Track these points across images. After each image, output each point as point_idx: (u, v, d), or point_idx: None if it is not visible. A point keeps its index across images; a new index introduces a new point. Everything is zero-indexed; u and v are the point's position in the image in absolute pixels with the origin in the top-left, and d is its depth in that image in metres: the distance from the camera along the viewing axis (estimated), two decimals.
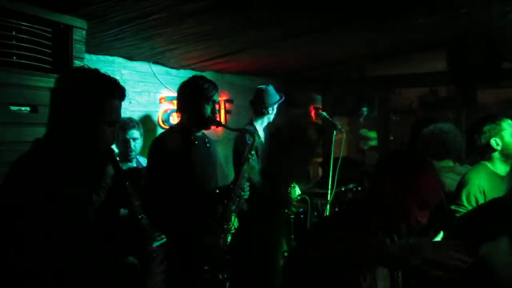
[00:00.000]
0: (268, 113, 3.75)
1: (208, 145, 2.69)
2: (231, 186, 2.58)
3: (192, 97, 2.56)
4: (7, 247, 1.33)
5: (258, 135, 3.72)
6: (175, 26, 2.88)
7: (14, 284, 1.31)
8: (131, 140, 3.29)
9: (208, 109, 2.56)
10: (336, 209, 4.33)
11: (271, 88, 3.79)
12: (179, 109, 2.67)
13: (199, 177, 2.54)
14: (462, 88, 5.14)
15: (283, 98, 3.79)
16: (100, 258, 1.52)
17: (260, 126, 3.80)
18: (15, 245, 1.32)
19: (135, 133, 3.32)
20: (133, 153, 3.32)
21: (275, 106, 3.77)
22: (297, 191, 3.47)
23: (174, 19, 2.73)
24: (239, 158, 2.70)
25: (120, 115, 1.59)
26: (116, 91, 1.56)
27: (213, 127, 2.74)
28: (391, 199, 1.54)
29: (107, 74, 1.60)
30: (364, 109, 6.74)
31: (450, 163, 2.97)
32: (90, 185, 1.64)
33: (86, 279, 1.44)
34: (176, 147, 2.49)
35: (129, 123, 3.32)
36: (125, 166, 3.30)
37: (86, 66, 1.64)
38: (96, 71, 1.58)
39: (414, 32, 4.14)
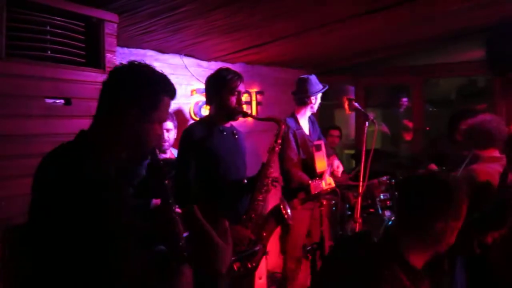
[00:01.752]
0: (311, 102, 3.72)
1: (236, 136, 2.71)
2: (259, 176, 2.59)
3: (216, 89, 2.61)
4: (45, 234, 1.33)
5: (300, 125, 3.70)
6: (203, 18, 2.90)
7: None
8: (164, 131, 3.35)
9: (233, 100, 2.58)
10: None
11: (313, 77, 3.75)
12: (207, 101, 2.72)
13: (227, 167, 2.57)
14: (500, 77, 4.95)
15: (327, 87, 3.74)
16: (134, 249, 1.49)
17: (303, 116, 3.77)
18: (54, 234, 1.32)
19: (169, 124, 3.39)
20: (167, 143, 3.39)
21: (319, 96, 3.74)
22: (324, 183, 3.43)
23: (203, 11, 2.75)
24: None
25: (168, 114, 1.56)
26: (171, 89, 1.53)
27: (243, 119, 2.76)
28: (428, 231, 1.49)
29: (161, 71, 1.55)
30: (405, 99, 6.55)
31: (496, 154, 2.87)
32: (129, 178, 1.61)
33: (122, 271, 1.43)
34: (204, 138, 2.53)
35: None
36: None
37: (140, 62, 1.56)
38: (151, 68, 1.53)
39: (450, 19, 4.02)
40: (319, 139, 3.82)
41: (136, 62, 1.54)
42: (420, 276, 1.47)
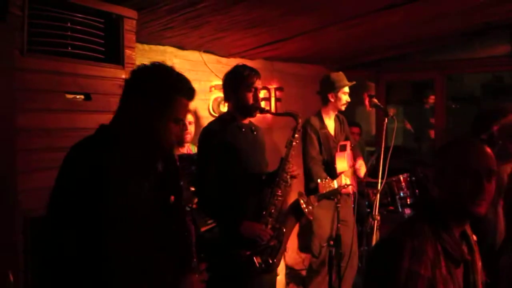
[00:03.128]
0: (332, 100, 3.64)
1: (255, 132, 2.71)
2: (278, 171, 2.59)
3: (233, 86, 2.62)
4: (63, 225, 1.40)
5: (324, 125, 3.65)
6: (223, 14, 2.90)
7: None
8: (187, 123, 3.39)
9: (250, 96, 2.58)
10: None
11: (337, 75, 3.65)
12: (225, 98, 2.73)
13: (246, 163, 2.59)
14: None
15: (347, 84, 3.64)
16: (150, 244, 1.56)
17: (328, 115, 3.71)
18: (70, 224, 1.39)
19: (190, 117, 3.44)
20: (189, 135, 3.42)
21: (342, 94, 3.62)
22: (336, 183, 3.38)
23: (222, 6, 2.75)
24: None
25: (186, 115, 1.60)
26: (187, 90, 1.59)
27: (262, 115, 2.75)
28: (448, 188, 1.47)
29: (181, 73, 1.62)
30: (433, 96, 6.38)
31: None
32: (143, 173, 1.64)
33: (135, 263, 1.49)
34: (223, 134, 2.56)
35: None
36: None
37: (163, 63, 1.65)
38: (172, 69, 1.60)
39: (474, 14, 3.93)
40: (346, 139, 3.75)
41: (156, 63, 1.61)
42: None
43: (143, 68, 1.59)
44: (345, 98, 3.66)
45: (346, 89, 3.67)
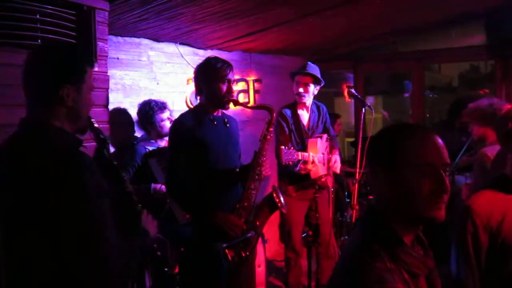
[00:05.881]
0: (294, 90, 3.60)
1: (228, 125, 2.69)
2: (252, 164, 2.58)
3: (206, 78, 2.58)
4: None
5: (296, 114, 3.62)
6: (198, 5, 2.87)
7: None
8: (167, 120, 3.39)
9: (223, 88, 2.56)
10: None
11: (303, 66, 3.57)
12: (197, 91, 2.69)
13: (218, 156, 2.56)
14: (501, 61, 4.90)
15: (306, 72, 3.50)
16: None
17: (299, 105, 3.64)
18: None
19: (168, 113, 3.43)
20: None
21: (294, 84, 3.56)
22: (320, 170, 3.37)
23: None
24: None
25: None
26: (91, 57, 1.61)
27: (241, 108, 2.72)
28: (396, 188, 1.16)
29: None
30: (407, 82, 6.41)
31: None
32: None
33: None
34: (193, 127, 2.53)
35: (165, 103, 3.43)
36: (154, 146, 3.36)
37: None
38: (64, 44, 1.57)
39: (451, 3, 3.96)
40: (324, 131, 3.75)
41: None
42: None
43: (44, 49, 1.55)
44: (297, 88, 3.56)
45: (302, 79, 3.54)
